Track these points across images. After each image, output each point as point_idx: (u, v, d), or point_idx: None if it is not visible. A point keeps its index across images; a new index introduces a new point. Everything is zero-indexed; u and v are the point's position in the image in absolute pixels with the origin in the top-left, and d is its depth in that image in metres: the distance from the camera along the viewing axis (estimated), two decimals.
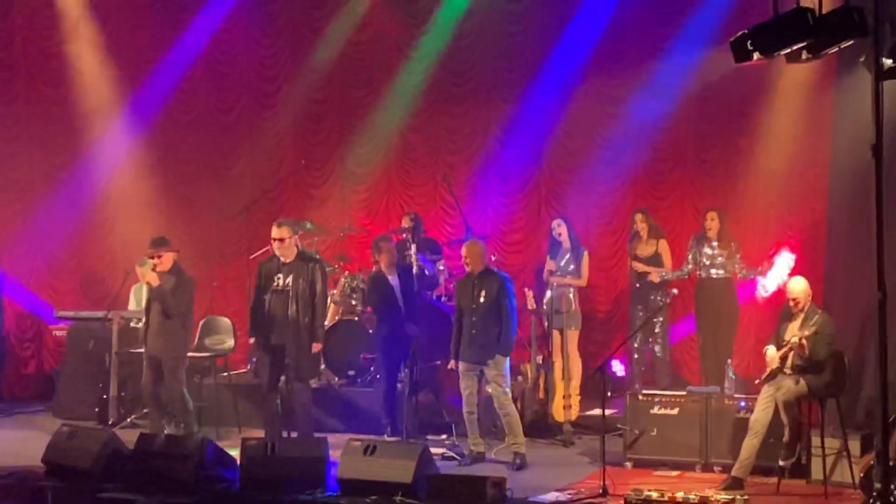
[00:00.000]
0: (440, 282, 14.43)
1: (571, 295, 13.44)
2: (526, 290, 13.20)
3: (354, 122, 16.53)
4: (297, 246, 12.40)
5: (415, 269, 13.24)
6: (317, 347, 12.19)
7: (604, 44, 15.17)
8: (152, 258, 12.46)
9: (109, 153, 16.59)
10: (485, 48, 15.95)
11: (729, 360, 12.53)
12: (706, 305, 13.69)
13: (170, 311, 12.43)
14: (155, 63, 16.54)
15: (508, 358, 11.94)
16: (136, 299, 14.55)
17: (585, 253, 13.66)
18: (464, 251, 12.09)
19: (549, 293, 13.43)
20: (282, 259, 12.09)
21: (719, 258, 13.50)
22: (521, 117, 15.82)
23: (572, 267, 13.49)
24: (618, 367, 13.83)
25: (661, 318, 13.92)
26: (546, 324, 13.39)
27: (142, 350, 12.80)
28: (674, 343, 14.53)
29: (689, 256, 13.72)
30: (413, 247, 13.70)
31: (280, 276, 12.03)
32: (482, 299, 11.80)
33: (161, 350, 12.43)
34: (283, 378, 12.14)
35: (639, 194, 15.26)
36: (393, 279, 13.10)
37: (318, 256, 13.18)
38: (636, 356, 14.26)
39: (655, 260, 14.05)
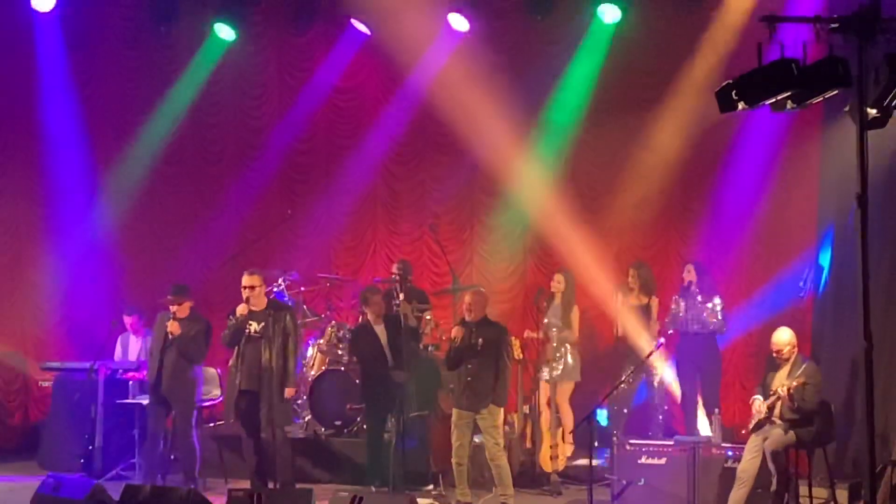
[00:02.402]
0: (427, 332, 14.36)
1: (566, 350, 13.45)
2: (513, 338, 13.21)
3: (340, 171, 16.52)
4: (267, 295, 12.51)
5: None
6: (290, 393, 12.22)
7: (590, 94, 15.22)
8: (172, 305, 12.59)
9: (95, 204, 16.58)
10: (471, 97, 15.96)
11: (716, 410, 12.52)
12: (685, 358, 13.62)
13: (192, 355, 12.68)
14: (142, 114, 16.57)
15: (502, 409, 11.95)
16: (123, 349, 14.59)
17: (576, 308, 13.70)
18: (468, 298, 12.13)
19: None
20: (253, 307, 12.10)
21: (701, 312, 13.45)
22: (507, 165, 15.83)
23: (561, 321, 13.52)
24: (602, 417, 13.83)
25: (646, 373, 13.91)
26: (534, 374, 13.40)
27: (129, 401, 12.84)
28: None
29: (671, 312, 13.69)
30: (401, 296, 13.69)
31: (252, 323, 12.04)
32: (479, 348, 11.82)
33: (177, 394, 12.59)
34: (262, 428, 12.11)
35: (624, 244, 15.26)
36: (380, 329, 13.09)
37: (287, 304, 13.25)
38: (615, 407, 14.18)
39: (645, 312, 14.02)
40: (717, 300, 13.43)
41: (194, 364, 12.79)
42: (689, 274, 13.59)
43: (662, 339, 12.38)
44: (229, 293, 16.02)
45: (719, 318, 13.37)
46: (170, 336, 12.56)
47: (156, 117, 16.49)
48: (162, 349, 12.62)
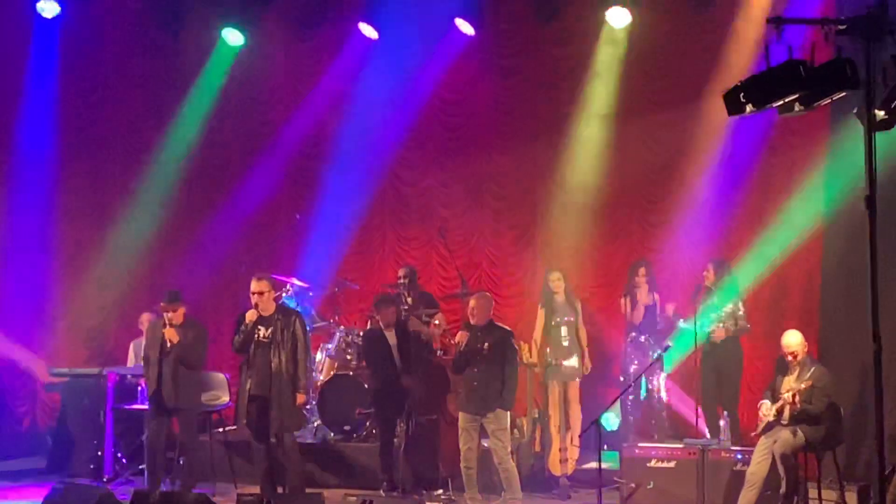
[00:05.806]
0: (437, 339, 14.33)
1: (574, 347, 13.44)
2: (522, 343, 13.19)
3: (348, 176, 16.50)
4: (275, 300, 12.43)
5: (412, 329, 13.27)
6: (301, 399, 12.17)
7: (596, 96, 15.23)
8: (166, 312, 12.49)
9: (102, 210, 16.60)
10: (479, 101, 15.99)
11: (726, 413, 12.50)
12: (708, 359, 13.41)
13: (191, 362, 12.54)
14: (151, 122, 16.59)
15: (509, 413, 11.95)
16: (136, 354, 14.53)
17: (579, 303, 13.67)
18: (472, 303, 12.17)
19: (547, 347, 13.43)
20: (262, 312, 12.08)
21: (721, 313, 13.32)
22: (516, 169, 15.86)
23: (569, 318, 13.48)
24: (607, 422, 13.77)
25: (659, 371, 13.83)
26: (543, 377, 13.37)
27: (138, 406, 12.82)
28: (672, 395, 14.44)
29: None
30: (409, 301, 13.70)
31: (261, 328, 12.00)
32: (485, 352, 11.83)
33: (178, 401, 12.45)
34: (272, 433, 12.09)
35: (633, 246, 15.24)
36: (390, 335, 13.08)
37: (295, 309, 13.22)
38: (630, 409, 14.13)
39: (652, 311, 13.99)
40: (739, 301, 13.31)
41: (193, 371, 12.66)
42: (710, 274, 13.46)
43: (669, 343, 12.34)
44: (237, 299, 16.12)
45: (742, 317, 13.25)
46: (168, 344, 12.45)
47: (170, 129, 16.50)
48: (160, 357, 12.52)
